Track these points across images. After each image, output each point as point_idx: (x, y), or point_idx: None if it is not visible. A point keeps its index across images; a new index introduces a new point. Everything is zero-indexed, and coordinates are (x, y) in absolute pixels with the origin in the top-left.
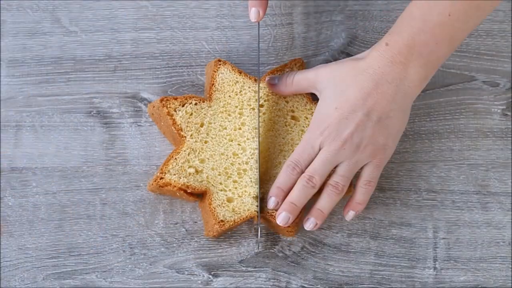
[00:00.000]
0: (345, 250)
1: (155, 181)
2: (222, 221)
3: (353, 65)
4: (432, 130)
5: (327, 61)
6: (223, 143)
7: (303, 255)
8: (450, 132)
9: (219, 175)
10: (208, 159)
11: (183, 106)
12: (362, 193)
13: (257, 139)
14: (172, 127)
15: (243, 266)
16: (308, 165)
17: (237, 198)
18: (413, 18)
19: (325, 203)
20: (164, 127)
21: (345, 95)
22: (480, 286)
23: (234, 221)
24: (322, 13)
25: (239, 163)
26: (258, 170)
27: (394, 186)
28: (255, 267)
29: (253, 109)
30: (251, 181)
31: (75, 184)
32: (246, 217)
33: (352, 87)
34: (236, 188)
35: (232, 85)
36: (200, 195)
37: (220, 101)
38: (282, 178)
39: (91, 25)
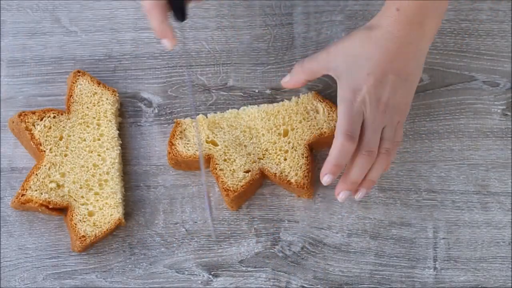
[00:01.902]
0: (345, 250)
1: (16, 198)
2: (83, 236)
3: (367, 35)
4: (432, 130)
5: None
6: (83, 155)
7: (303, 255)
8: (450, 132)
9: (81, 188)
10: (69, 172)
11: (41, 120)
12: (393, 154)
13: (117, 149)
14: (31, 142)
15: (243, 266)
16: (358, 134)
17: (98, 211)
18: None
19: (377, 171)
20: (24, 142)
21: (373, 61)
22: (480, 286)
23: (95, 235)
24: (322, 13)
25: (100, 174)
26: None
27: (394, 186)
28: (255, 267)
29: (110, 121)
30: (111, 191)
31: None
32: (107, 230)
33: (377, 53)
34: (97, 200)
35: (90, 96)
36: (64, 210)
37: (78, 113)
38: (339, 153)
39: (91, 25)
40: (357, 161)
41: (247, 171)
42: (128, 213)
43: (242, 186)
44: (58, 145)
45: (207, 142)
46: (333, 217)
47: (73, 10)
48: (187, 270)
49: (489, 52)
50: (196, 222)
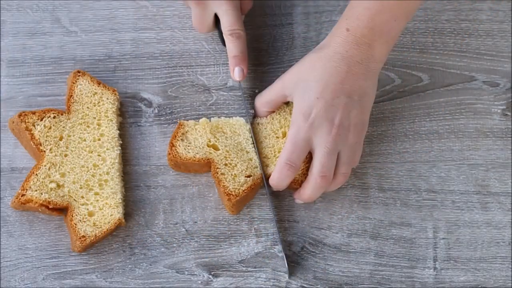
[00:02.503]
0: (345, 250)
1: (16, 198)
2: (83, 236)
3: (317, 56)
4: (432, 130)
5: None
6: (83, 155)
7: (303, 255)
8: (450, 132)
9: (81, 188)
10: (69, 172)
11: (41, 120)
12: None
13: (117, 149)
14: (31, 142)
15: (243, 266)
16: (302, 160)
17: (98, 211)
18: (370, 1)
19: (331, 189)
20: (24, 142)
21: (322, 83)
22: (480, 286)
23: (96, 235)
24: (322, 13)
25: (100, 174)
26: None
27: (394, 186)
28: (255, 267)
29: (111, 120)
30: (111, 191)
31: None
32: (107, 230)
33: (326, 74)
34: (97, 200)
35: (91, 96)
36: (64, 210)
37: (78, 113)
38: (277, 177)
39: (91, 25)
40: (311, 184)
41: (249, 176)
42: (128, 213)
43: (244, 191)
44: (58, 145)
45: (208, 146)
46: (333, 217)
47: (73, 10)
48: (187, 270)
49: (489, 52)
50: (196, 222)
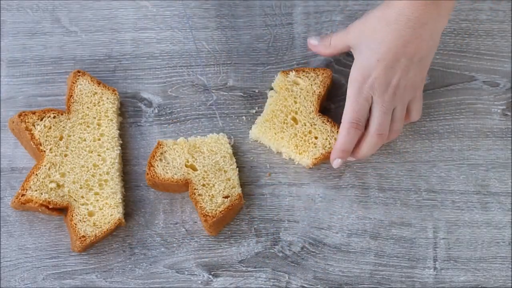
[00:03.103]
0: (345, 250)
1: (16, 198)
2: (83, 236)
3: (383, 15)
4: (432, 130)
5: (327, 62)
6: (83, 155)
7: (303, 255)
8: (450, 132)
9: (81, 188)
10: (69, 172)
11: (41, 120)
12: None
13: (117, 149)
14: (31, 142)
15: (243, 266)
16: (366, 117)
17: (98, 211)
18: None
19: (381, 145)
20: (24, 142)
21: (385, 46)
22: (480, 286)
23: (96, 235)
24: (322, 13)
25: (100, 174)
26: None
27: (394, 186)
28: (255, 267)
29: (112, 120)
30: (111, 191)
31: None
32: (107, 230)
33: (389, 37)
34: (97, 200)
35: (91, 96)
36: (64, 210)
37: (78, 113)
38: (345, 140)
39: (91, 25)
40: (368, 141)
41: (226, 197)
42: (128, 213)
43: (221, 212)
44: (58, 145)
45: (186, 166)
46: (333, 217)
47: (73, 10)
48: (187, 270)
49: (489, 52)
50: (196, 222)
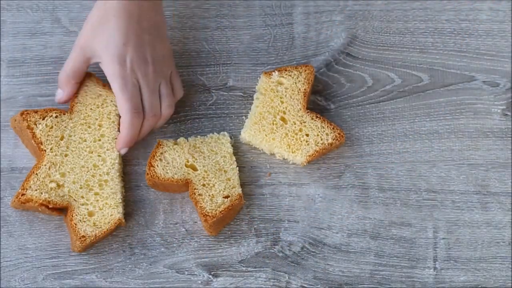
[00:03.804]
0: (345, 250)
1: (16, 197)
2: (83, 236)
3: (104, 7)
4: (432, 130)
5: (327, 61)
6: (83, 155)
7: (303, 255)
8: (450, 132)
9: (81, 188)
10: (69, 172)
11: (43, 119)
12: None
13: (117, 150)
14: (32, 141)
15: (243, 266)
16: (140, 102)
17: (98, 211)
18: None
19: (160, 124)
20: (26, 140)
21: (123, 30)
22: (480, 286)
23: (96, 235)
24: (322, 13)
25: (100, 174)
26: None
27: (394, 186)
28: (255, 267)
29: (113, 122)
30: (111, 191)
31: None
32: (107, 230)
33: (122, 21)
34: (97, 200)
35: (95, 98)
36: (64, 210)
37: (81, 114)
38: (130, 130)
39: None
40: (145, 124)
41: (227, 197)
42: (128, 213)
43: (221, 212)
44: (59, 145)
45: (186, 166)
46: (333, 217)
47: (73, 10)
48: (187, 270)
49: (489, 52)
50: (196, 222)
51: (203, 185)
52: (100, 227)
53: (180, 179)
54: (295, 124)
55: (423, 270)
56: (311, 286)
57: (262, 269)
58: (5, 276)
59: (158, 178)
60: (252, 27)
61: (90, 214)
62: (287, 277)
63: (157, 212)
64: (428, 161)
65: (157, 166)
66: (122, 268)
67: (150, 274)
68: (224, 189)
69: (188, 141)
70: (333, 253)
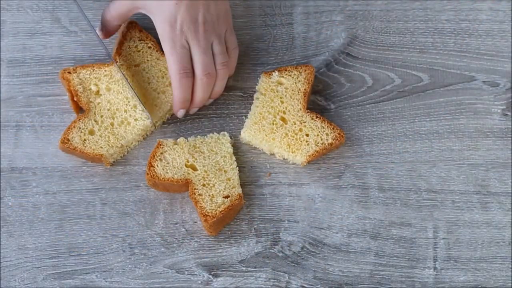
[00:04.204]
0: (345, 250)
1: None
2: (67, 139)
3: None
4: (432, 130)
5: (327, 61)
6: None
7: (303, 255)
8: (450, 132)
9: (108, 110)
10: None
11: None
12: (232, 61)
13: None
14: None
15: (243, 266)
16: (191, 63)
17: (97, 136)
18: None
19: (220, 84)
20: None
21: None
22: (480, 286)
23: (75, 148)
24: (322, 13)
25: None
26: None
27: (394, 186)
28: (255, 267)
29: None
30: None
31: (75, 184)
32: (87, 153)
33: None
34: (106, 129)
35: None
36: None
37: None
38: (179, 90)
39: (91, 25)
40: (199, 85)
41: (227, 197)
42: (128, 213)
43: (221, 212)
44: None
45: (186, 166)
46: (333, 217)
47: (73, 10)
48: (187, 270)
49: (489, 52)
50: (196, 222)
51: (203, 185)
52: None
53: (180, 179)
54: (295, 124)
55: (423, 270)
56: (311, 286)
57: (262, 269)
58: (5, 276)
59: (158, 178)
60: (252, 27)
61: (91, 132)
62: (287, 277)
63: (157, 212)
64: (428, 161)
65: (157, 166)
66: (122, 268)
67: (150, 274)
68: (224, 189)
69: (188, 141)
70: (333, 253)
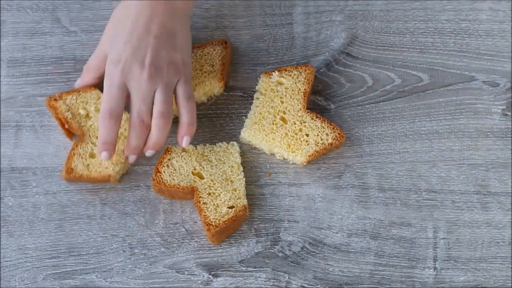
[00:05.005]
0: (345, 250)
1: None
2: (71, 168)
3: (123, 6)
4: (432, 130)
5: (327, 61)
6: None
7: (303, 255)
8: (450, 132)
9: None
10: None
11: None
12: (187, 112)
13: None
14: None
15: (243, 266)
16: (122, 106)
17: (99, 158)
18: None
19: (158, 135)
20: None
21: (128, 29)
22: (480, 286)
23: (81, 176)
24: (322, 13)
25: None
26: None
27: (394, 186)
28: (255, 267)
29: None
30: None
31: (75, 184)
32: (95, 178)
33: (130, 20)
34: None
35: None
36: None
37: None
38: (102, 132)
39: (91, 25)
40: (131, 130)
41: (231, 207)
42: (128, 213)
43: (224, 222)
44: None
45: (193, 173)
46: (333, 217)
47: (73, 10)
48: (187, 270)
49: (489, 52)
50: (196, 222)
51: (209, 194)
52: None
53: (186, 187)
54: (295, 124)
55: (423, 270)
56: (311, 286)
57: (262, 269)
58: (5, 276)
59: (164, 184)
60: (252, 27)
61: (91, 155)
62: (287, 277)
63: (157, 212)
64: (428, 161)
65: (164, 172)
66: (122, 268)
67: (150, 274)
68: (230, 199)
69: (196, 148)
70: (333, 253)
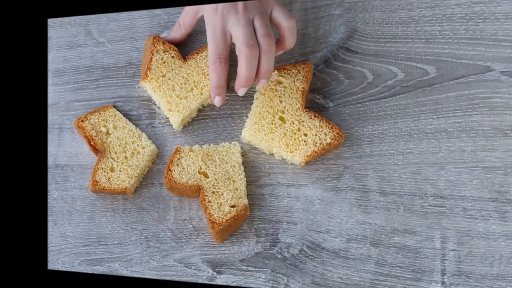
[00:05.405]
0: (344, 256)
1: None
2: (96, 181)
3: None
4: (439, 128)
5: (325, 58)
6: None
7: (301, 258)
8: (461, 130)
9: (119, 145)
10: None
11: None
12: (291, 34)
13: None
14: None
15: (244, 265)
16: (228, 50)
17: (117, 171)
18: None
19: (267, 59)
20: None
21: None
22: None
23: (104, 188)
24: (321, 8)
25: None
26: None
27: (396, 189)
28: (255, 267)
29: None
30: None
31: None
32: (115, 190)
33: None
34: (122, 163)
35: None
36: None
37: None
38: (213, 76)
39: (115, 35)
40: (241, 58)
41: (233, 206)
42: (144, 208)
43: (227, 220)
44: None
45: (199, 172)
46: (332, 221)
47: (101, 23)
48: (194, 265)
49: (508, 37)
50: (202, 220)
51: (213, 192)
52: (111, 185)
53: (193, 185)
54: (293, 124)
55: (429, 283)
56: None
57: (261, 269)
58: (51, 260)
59: (175, 182)
60: None
61: (112, 169)
62: (285, 279)
63: (168, 208)
64: (435, 163)
65: (174, 170)
66: (140, 259)
67: (163, 266)
68: (232, 198)
69: (202, 148)
70: (332, 258)
